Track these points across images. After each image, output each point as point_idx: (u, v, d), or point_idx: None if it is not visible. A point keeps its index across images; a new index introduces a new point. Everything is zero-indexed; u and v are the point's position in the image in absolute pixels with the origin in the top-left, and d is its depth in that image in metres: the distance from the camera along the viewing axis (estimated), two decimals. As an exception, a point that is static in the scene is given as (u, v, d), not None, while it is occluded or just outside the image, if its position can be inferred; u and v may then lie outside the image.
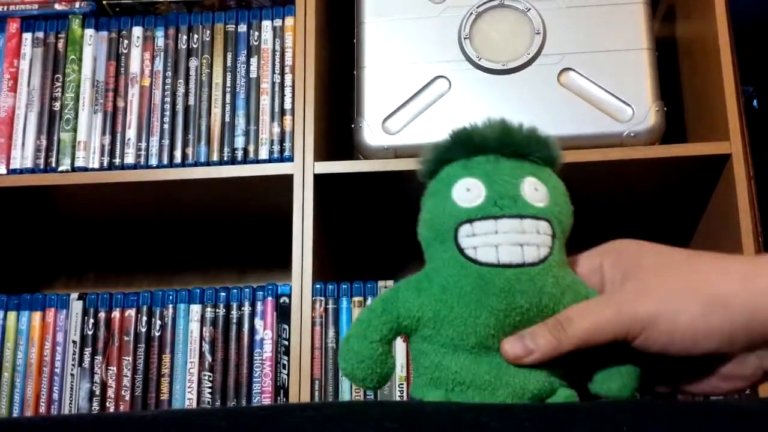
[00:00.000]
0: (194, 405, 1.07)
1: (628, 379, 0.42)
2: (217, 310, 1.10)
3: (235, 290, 1.10)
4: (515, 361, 0.41)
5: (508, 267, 0.41)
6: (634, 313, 0.40)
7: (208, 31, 1.18)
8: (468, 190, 0.43)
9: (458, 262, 0.42)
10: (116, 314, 1.11)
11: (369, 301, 1.06)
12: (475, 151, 0.44)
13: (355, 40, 1.15)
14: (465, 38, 1.10)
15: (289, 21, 1.17)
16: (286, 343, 1.06)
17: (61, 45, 1.21)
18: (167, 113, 1.16)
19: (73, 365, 1.11)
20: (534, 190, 0.43)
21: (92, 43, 1.20)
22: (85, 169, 1.15)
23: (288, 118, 1.13)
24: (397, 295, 0.44)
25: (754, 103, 1.55)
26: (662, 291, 0.41)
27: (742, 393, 0.44)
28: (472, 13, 1.10)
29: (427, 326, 0.43)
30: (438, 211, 0.43)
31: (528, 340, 0.41)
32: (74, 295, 1.13)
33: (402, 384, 1.03)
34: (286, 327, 1.07)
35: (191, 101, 1.16)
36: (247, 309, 1.09)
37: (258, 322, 1.08)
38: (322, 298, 1.06)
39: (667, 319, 0.40)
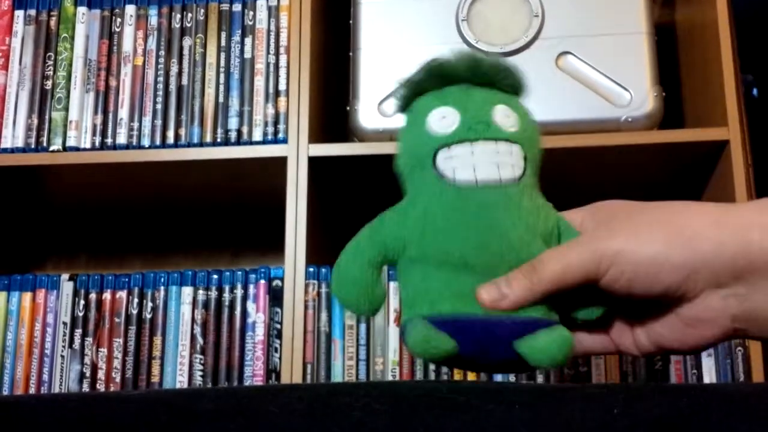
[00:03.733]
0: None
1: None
2: (209, 293, 1.09)
3: (227, 273, 1.09)
4: (492, 305, 0.42)
5: (486, 186, 0.43)
6: (602, 250, 0.41)
7: (202, 10, 1.17)
8: (443, 118, 0.44)
9: (438, 184, 0.44)
10: (107, 296, 1.11)
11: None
12: (447, 81, 0.46)
13: (351, 21, 1.14)
14: (462, 20, 1.09)
15: (284, 1, 1.15)
16: (279, 326, 1.06)
17: (53, 23, 1.19)
18: (160, 93, 1.15)
19: (63, 347, 1.10)
20: (505, 116, 0.45)
21: (84, 21, 1.18)
22: (77, 149, 1.14)
23: (282, 99, 1.12)
24: (383, 221, 0.46)
25: (754, 91, 1.54)
26: (629, 228, 0.41)
27: (712, 346, 0.44)
28: (469, -6, 1.09)
29: (412, 246, 0.44)
30: (415, 139, 0.45)
31: (503, 285, 0.42)
32: (65, 276, 1.12)
33: (395, 368, 1.03)
34: (279, 310, 1.06)
35: (184, 81, 1.15)
36: (239, 292, 1.08)
37: (250, 305, 1.08)
38: (315, 282, 1.05)
39: (632, 252, 0.40)
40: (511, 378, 1.02)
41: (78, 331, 1.10)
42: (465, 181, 0.43)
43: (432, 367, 1.03)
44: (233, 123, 1.13)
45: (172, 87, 1.15)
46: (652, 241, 0.40)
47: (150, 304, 1.10)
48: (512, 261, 0.42)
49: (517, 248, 0.43)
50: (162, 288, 1.10)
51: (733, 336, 0.41)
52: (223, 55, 1.15)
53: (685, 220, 0.40)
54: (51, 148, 1.14)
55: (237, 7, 1.17)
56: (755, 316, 0.40)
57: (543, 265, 0.42)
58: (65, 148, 1.14)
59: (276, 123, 1.12)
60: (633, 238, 0.40)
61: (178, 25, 1.17)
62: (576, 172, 1.13)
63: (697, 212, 0.41)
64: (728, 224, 0.39)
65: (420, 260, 0.44)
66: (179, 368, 1.07)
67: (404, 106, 0.47)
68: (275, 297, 1.07)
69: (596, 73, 1.06)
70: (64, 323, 1.11)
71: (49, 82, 1.17)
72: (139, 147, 1.13)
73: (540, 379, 1.02)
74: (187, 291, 1.09)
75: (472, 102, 0.45)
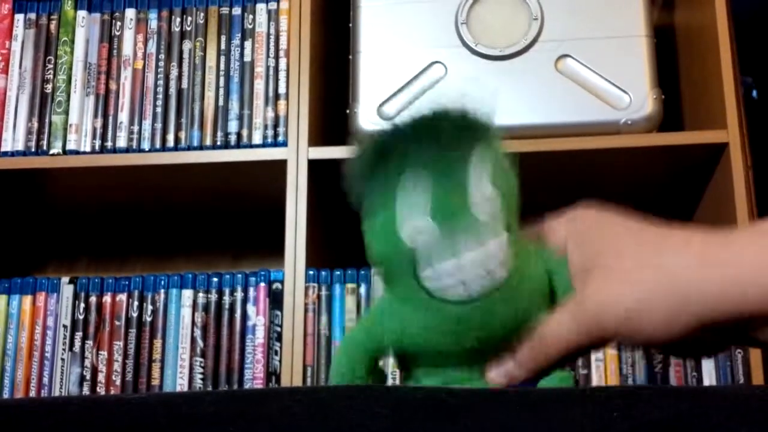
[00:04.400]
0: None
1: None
2: (209, 296, 1.09)
3: (227, 276, 1.09)
4: (504, 385, 0.43)
5: (480, 298, 0.40)
6: (601, 322, 0.41)
7: (202, 14, 1.17)
8: (418, 232, 0.39)
9: (427, 302, 0.41)
10: (107, 299, 1.11)
11: (362, 289, 1.06)
12: (404, 166, 0.39)
13: (350, 24, 1.14)
14: (462, 23, 1.09)
15: (284, 4, 1.16)
16: (279, 329, 1.06)
17: (53, 26, 1.19)
18: (160, 97, 1.15)
19: (63, 349, 1.10)
20: (483, 193, 0.39)
21: (84, 25, 1.19)
22: (77, 152, 1.14)
23: (282, 102, 1.12)
24: (372, 334, 0.44)
25: (754, 93, 1.54)
26: (624, 283, 0.41)
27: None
28: (469, -3, 1.09)
29: (409, 356, 0.44)
30: (389, 247, 0.40)
31: (512, 368, 0.43)
32: (65, 279, 1.12)
33: (395, 371, 1.03)
34: (279, 313, 1.06)
35: (184, 85, 1.15)
36: (239, 295, 1.08)
37: (250, 308, 1.08)
38: (315, 285, 1.05)
39: (633, 323, 0.40)
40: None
41: (78, 334, 1.10)
42: (458, 299, 0.40)
43: (432, 369, 1.02)
44: (233, 126, 1.13)
45: (172, 90, 1.15)
46: (652, 310, 0.40)
47: (150, 307, 1.10)
48: (513, 343, 0.43)
49: (520, 333, 0.43)
50: (162, 291, 1.10)
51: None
52: (223, 59, 1.15)
53: (675, 274, 0.40)
54: (51, 152, 1.14)
55: (237, 11, 1.17)
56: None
57: (546, 340, 0.42)
58: (65, 152, 1.14)
59: (276, 126, 1.12)
60: (633, 305, 0.40)
61: (178, 29, 1.17)
62: (575, 174, 1.13)
63: (683, 258, 0.40)
64: (715, 277, 0.39)
65: (421, 365, 0.44)
66: (179, 371, 1.07)
67: (361, 203, 0.42)
68: (275, 300, 1.07)
69: (595, 76, 1.06)
70: (65, 326, 1.11)
71: (50, 86, 1.17)
72: (139, 150, 1.14)
73: (540, 381, 1.02)
74: (187, 294, 1.09)
75: (444, 193, 0.39)
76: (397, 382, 1.03)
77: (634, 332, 0.41)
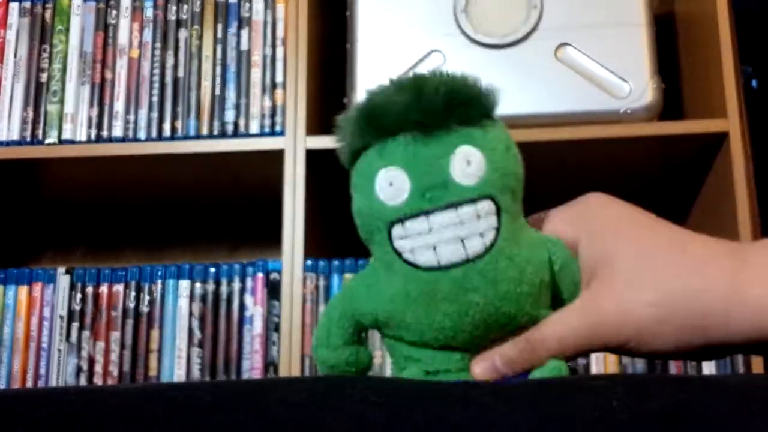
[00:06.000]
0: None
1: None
2: (206, 286, 1.08)
3: (224, 266, 1.09)
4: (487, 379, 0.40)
5: (453, 265, 0.37)
6: (605, 335, 0.40)
7: (198, 2, 1.16)
8: (391, 185, 0.37)
9: (399, 267, 0.38)
10: (104, 289, 1.10)
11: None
12: (387, 132, 0.38)
13: (348, 13, 1.13)
14: (461, 12, 1.08)
15: (281, -8, 1.15)
16: (277, 319, 1.05)
17: (48, 15, 1.18)
18: (156, 86, 1.14)
19: (60, 340, 1.09)
20: (466, 164, 0.37)
21: (80, 14, 1.18)
22: (73, 142, 1.14)
23: (279, 91, 1.12)
24: (352, 298, 0.41)
25: (753, 83, 1.54)
26: (636, 308, 0.39)
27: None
28: (468, -15, 1.09)
29: (387, 327, 0.40)
30: (365, 211, 0.39)
31: (498, 362, 0.40)
32: (61, 270, 1.12)
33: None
34: (277, 303, 1.06)
35: (180, 73, 1.14)
36: (236, 285, 1.08)
37: (248, 299, 1.07)
38: (313, 275, 1.05)
39: (638, 341, 0.39)
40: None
41: (75, 325, 1.10)
42: (427, 265, 0.37)
43: (430, 360, 1.02)
44: (230, 115, 1.12)
45: (168, 79, 1.14)
46: (660, 333, 0.39)
47: (147, 298, 1.09)
48: (497, 334, 0.40)
49: (501, 324, 0.39)
50: (159, 281, 1.09)
51: None
52: (219, 47, 1.14)
53: (695, 303, 0.38)
54: (46, 141, 1.14)
55: (233, -1, 1.16)
56: None
57: (541, 342, 0.40)
58: (61, 141, 1.14)
59: (273, 115, 1.11)
60: (640, 327, 0.39)
61: (174, 17, 1.16)
62: (575, 164, 1.13)
63: (712, 272, 0.38)
64: (745, 303, 0.37)
65: (400, 340, 0.40)
66: (177, 362, 1.07)
67: (349, 162, 0.40)
68: (273, 290, 1.06)
69: (595, 65, 1.05)
70: (61, 317, 1.10)
71: (45, 75, 1.16)
72: (135, 140, 1.13)
73: (539, 371, 1.01)
74: (185, 284, 1.09)
75: (422, 157, 0.37)
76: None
77: (645, 345, 0.39)
